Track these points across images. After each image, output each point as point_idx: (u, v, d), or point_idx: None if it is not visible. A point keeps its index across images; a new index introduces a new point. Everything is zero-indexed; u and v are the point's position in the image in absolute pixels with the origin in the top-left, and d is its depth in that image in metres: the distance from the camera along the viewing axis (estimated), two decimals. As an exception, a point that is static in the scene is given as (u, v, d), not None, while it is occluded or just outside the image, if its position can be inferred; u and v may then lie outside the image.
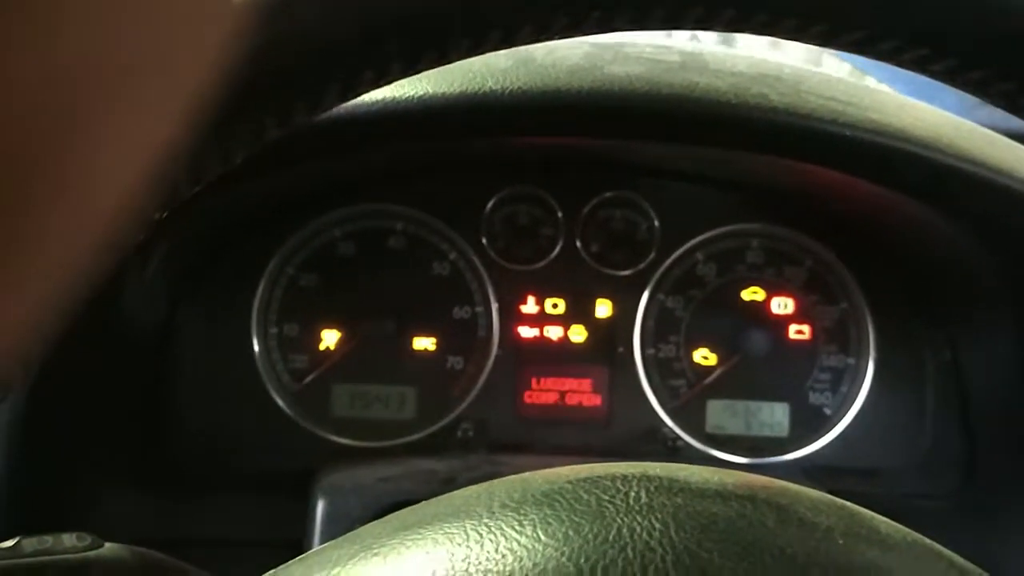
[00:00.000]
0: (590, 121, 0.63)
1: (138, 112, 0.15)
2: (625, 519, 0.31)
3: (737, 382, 0.92)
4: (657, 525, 0.31)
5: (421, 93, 0.60)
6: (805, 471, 0.89)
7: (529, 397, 0.93)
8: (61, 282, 0.16)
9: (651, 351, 0.92)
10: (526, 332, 0.93)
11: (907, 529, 0.35)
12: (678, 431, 0.91)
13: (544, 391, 0.93)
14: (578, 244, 0.92)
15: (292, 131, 0.33)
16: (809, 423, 0.92)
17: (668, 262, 0.92)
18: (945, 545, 0.34)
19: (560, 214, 0.92)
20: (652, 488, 0.33)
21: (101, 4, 0.14)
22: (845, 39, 0.35)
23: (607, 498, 0.33)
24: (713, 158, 0.83)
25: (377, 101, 0.59)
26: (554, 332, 0.93)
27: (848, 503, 0.35)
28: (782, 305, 0.92)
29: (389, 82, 0.34)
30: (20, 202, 0.14)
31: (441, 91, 0.60)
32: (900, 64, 0.37)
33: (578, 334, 0.93)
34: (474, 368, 0.92)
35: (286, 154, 0.60)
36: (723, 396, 0.92)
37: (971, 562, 0.34)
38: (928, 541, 0.35)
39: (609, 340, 0.93)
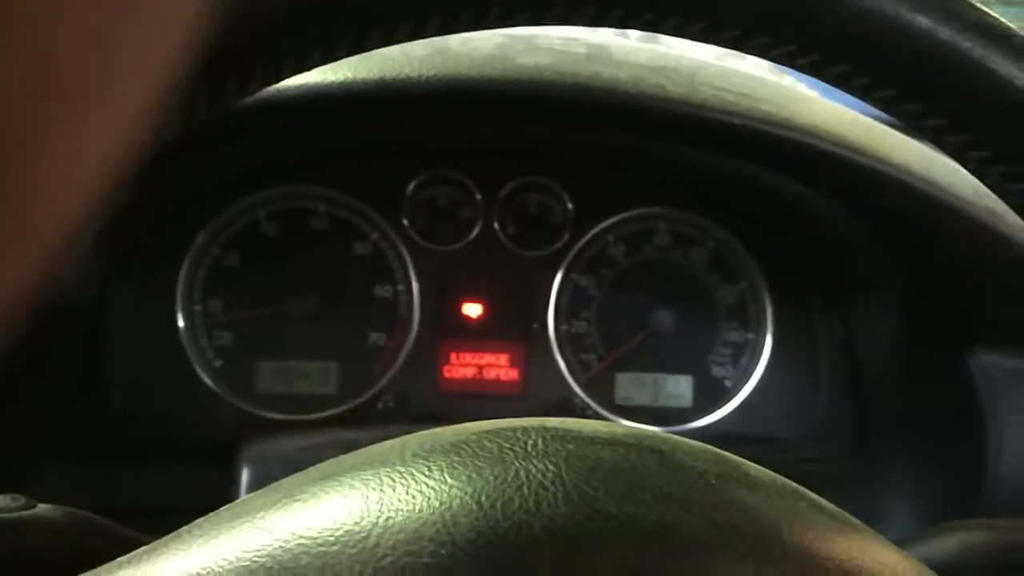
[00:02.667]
0: (499, 107, 0.67)
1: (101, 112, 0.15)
2: (523, 463, 0.35)
3: (644, 356, 0.97)
4: (551, 467, 0.35)
5: (342, 78, 0.63)
6: (708, 439, 0.94)
7: (449, 372, 0.96)
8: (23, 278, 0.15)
9: (564, 327, 0.97)
10: (446, 310, 0.96)
11: (775, 474, 0.39)
12: (589, 402, 0.96)
13: (463, 366, 0.97)
14: (496, 226, 0.96)
15: (217, 113, 0.37)
16: (711, 394, 0.98)
17: (581, 243, 0.97)
18: (836, 504, 0.38)
19: (479, 197, 0.96)
20: (548, 437, 0.37)
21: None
22: (721, 37, 0.40)
23: (508, 446, 0.37)
24: (624, 146, 0.87)
25: (300, 86, 0.62)
26: (472, 310, 0.97)
27: (724, 452, 0.40)
28: (687, 284, 0.98)
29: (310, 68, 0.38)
30: None
31: (360, 77, 0.63)
32: (772, 60, 0.42)
33: (495, 312, 0.97)
34: (395, 344, 0.95)
35: (208, 138, 0.62)
36: (631, 369, 0.97)
37: (858, 518, 0.39)
38: (792, 484, 0.40)
39: (525, 317, 0.97)
